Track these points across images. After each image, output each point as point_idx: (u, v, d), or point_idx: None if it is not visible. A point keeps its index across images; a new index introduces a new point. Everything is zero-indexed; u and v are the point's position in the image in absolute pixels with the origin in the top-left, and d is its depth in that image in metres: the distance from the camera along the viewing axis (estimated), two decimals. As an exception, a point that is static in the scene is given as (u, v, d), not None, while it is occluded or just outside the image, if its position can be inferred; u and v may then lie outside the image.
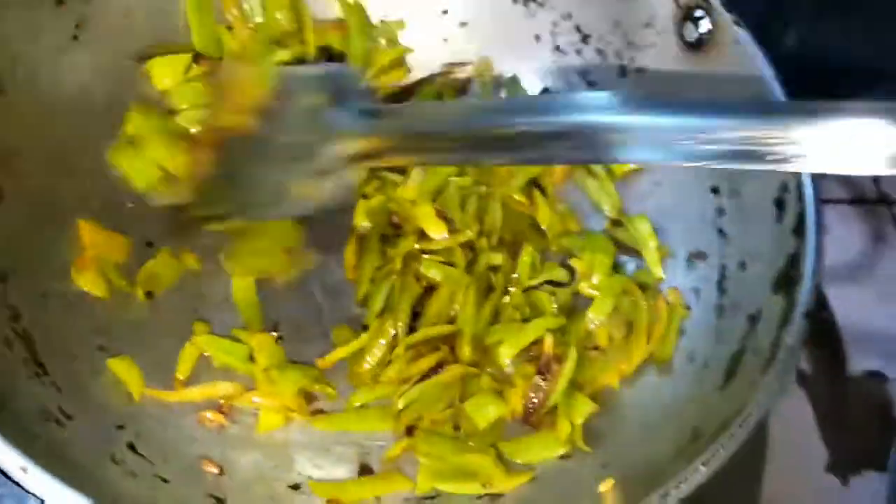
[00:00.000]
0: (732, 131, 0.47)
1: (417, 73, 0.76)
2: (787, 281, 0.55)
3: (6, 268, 0.57)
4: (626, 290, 0.65)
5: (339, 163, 0.57)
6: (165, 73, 0.67)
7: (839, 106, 0.46)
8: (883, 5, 0.80)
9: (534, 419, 0.61)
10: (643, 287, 0.65)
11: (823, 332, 0.80)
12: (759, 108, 0.52)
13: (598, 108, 0.51)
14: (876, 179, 0.90)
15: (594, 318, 0.63)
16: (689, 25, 0.65)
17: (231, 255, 0.64)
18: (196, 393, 0.60)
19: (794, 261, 0.55)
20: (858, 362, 0.79)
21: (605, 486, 0.53)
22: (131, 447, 0.56)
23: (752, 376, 0.52)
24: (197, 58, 0.69)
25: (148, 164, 0.65)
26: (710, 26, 0.64)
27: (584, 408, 0.60)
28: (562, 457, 0.59)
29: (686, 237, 0.66)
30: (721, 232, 0.64)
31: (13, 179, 0.59)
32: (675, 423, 0.55)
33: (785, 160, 0.46)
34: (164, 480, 0.54)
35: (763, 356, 0.53)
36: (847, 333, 0.80)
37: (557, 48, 0.74)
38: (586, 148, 0.51)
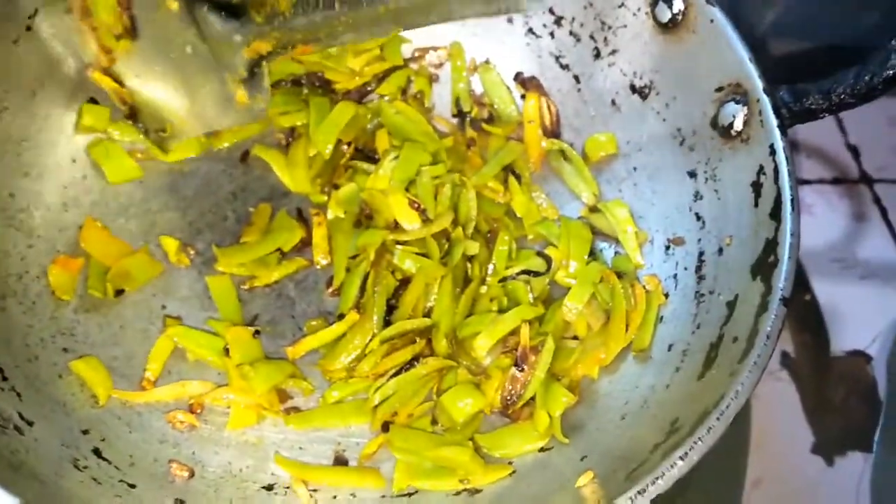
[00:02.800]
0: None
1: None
2: (764, 266, 0.54)
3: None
4: (604, 278, 0.63)
5: (253, 67, 0.59)
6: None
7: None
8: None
9: (512, 412, 0.60)
10: (620, 274, 0.64)
11: (806, 313, 0.79)
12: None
13: None
14: (858, 159, 0.89)
15: (571, 306, 0.62)
16: (662, 5, 0.64)
17: (225, 253, 0.64)
18: (166, 393, 0.59)
19: (772, 246, 0.54)
20: (841, 342, 0.79)
21: (584, 480, 0.52)
22: (96, 452, 0.54)
23: (730, 365, 0.51)
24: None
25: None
26: (682, 6, 0.63)
27: (562, 399, 0.59)
28: (540, 449, 0.58)
29: (663, 223, 0.65)
30: (698, 217, 0.63)
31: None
32: (655, 414, 0.54)
33: None
34: (131, 486, 0.53)
35: (741, 344, 0.52)
36: (829, 314, 0.80)
37: (530, 31, 0.73)
38: None
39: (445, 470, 0.57)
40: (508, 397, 0.60)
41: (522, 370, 0.59)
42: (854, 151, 0.89)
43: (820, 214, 0.85)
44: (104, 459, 0.54)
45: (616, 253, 0.67)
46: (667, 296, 0.62)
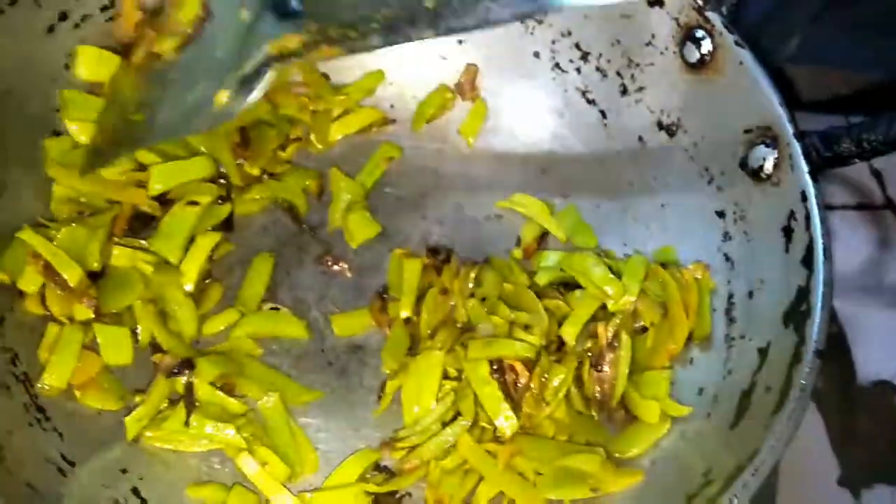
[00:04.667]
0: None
1: (416, 91, 0.75)
2: (797, 315, 0.54)
3: (3, 309, 0.56)
4: (650, 273, 0.64)
5: (263, 66, 0.56)
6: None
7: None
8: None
9: (610, 414, 0.61)
10: (665, 265, 0.64)
11: (831, 342, 0.79)
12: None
13: None
14: (882, 184, 0.88)
15: (626, 300, 0.62)
16: (691, 45, 0.64)
17: None
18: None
19: (804, 294, 0.54)
20: (867, 372, 0.78)
21: None
22: (135, 492, 0.55)
23: (763, 416, 0.51)
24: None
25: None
26: (711, 47, 0.62)
27: (661, 379, 0.60)
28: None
29: (691, 262, 0.65)
30: (727, 258, 0.62)
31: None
32: (685, 464, 0.54)
33: None
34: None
35: (774, 395, 0.52)
36: (855, 343, 0.79)
37: (557, 66, 0.73)
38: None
39: (577, 477, 0.56)
40: (602, 399, 0.60)
41: (600, 370, 0.60)
42: (878, 177, 0.89)
43: (844, 241, 0.85)
44: (142, 499, 0.54)
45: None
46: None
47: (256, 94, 0.56)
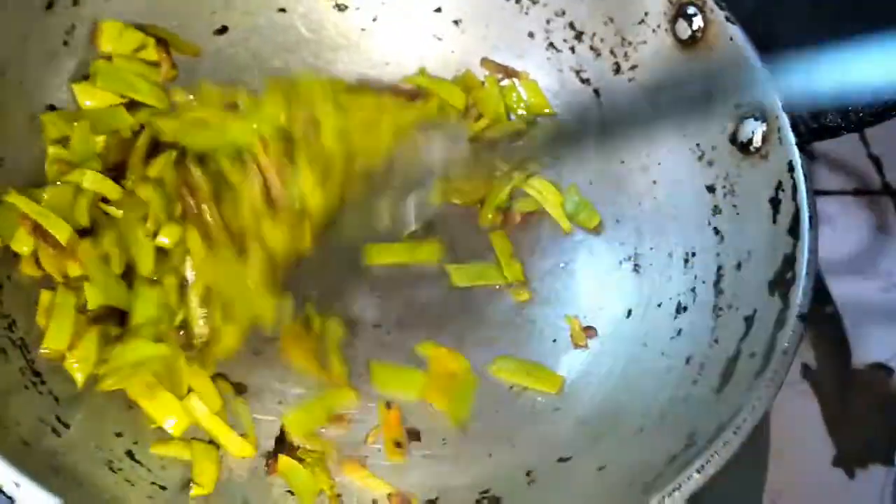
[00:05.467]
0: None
1: (407, 70, 0.75)
2: (782, 283, 0.54)
3: (1, 275, 0.57)
4: None
5: None
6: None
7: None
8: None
9: None
10: None
11: (827, 324, 0.80)
12: None
13: None
14: (880, 169, 0.89)
15: None
16: (682, 22, 0.65)
17: None
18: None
19: (790, 262, 0.54)
20: (863, 354, 0.79)
21: None
22: (129, 454, 0.56)
23: (747, 380, 0.52)
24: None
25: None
26: (702, 23, 0.63)
27: None
28: (560, 459, 0.58)
29: (682, 237, 0.66)
30: (717, 231, 0.63)
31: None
32: (672, 427, 0.55)
33: None
34: (162, 488, 0.54)
35: (758, 360, 0.52)
36: (851, 326, 0.80)
37: (551, 45, 0.74)
38: None
39: None
40: None
41: None
42: (876, 162, 0.89)
43: (841, 226, 0.85)
44: (137, 462, 0.55)
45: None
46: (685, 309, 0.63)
47: None
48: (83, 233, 0.60)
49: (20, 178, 0.61)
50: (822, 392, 0.76)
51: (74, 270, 0.58)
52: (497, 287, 0.68)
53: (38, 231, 0.58)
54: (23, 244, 0.58)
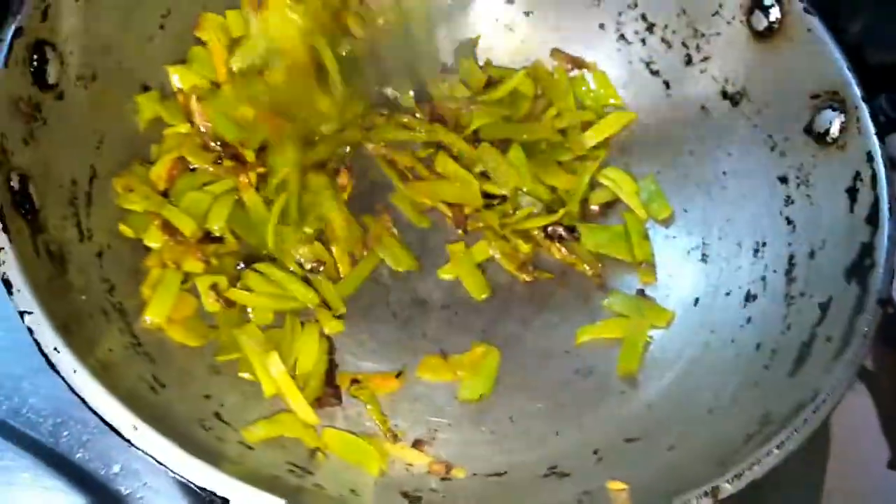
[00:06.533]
0: None
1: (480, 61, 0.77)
2: (860, 270, 0.54)
3: (102, 244, 0.59)
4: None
5: None
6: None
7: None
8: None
9: None
10: None
11: (885, 325, 0.79)
12: None
13: None
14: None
15: None
16: (759, 14, 0.65)
17: None
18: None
19: (868, 250, 0.54)
20: (922, 357, 0.78)
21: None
22: (217, 416, 0.57)
23: (823, 363, 0.52)
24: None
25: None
26: (779, 14, 0.63)
27: None
28: (628, 440, 0.59)
29: (751, 227, 0.66)
30: (789, 221, 0.63)
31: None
32: (743, 409, 0.55)
33: None
34: (249, 447, 0.56)
35: (835, 343, 0.52)
36: (910, 327, 0.79)
37: (622, 37, 0.74)
38: None
39: None
40: None
41: None
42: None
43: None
44: (224, 422, 0.56)
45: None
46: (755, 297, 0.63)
47: None
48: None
49: (119, 155, 0.63)
50: (879, 394, 0.76)
51: (191, 266, 0.62)
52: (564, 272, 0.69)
53: (167, 227, 0.63)
54: (154, 239, 0.63)
